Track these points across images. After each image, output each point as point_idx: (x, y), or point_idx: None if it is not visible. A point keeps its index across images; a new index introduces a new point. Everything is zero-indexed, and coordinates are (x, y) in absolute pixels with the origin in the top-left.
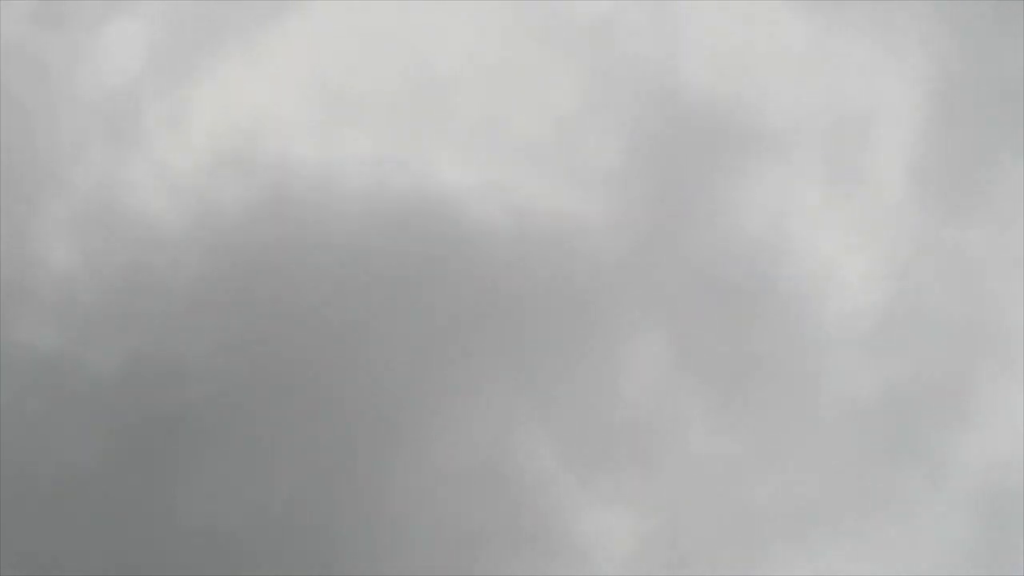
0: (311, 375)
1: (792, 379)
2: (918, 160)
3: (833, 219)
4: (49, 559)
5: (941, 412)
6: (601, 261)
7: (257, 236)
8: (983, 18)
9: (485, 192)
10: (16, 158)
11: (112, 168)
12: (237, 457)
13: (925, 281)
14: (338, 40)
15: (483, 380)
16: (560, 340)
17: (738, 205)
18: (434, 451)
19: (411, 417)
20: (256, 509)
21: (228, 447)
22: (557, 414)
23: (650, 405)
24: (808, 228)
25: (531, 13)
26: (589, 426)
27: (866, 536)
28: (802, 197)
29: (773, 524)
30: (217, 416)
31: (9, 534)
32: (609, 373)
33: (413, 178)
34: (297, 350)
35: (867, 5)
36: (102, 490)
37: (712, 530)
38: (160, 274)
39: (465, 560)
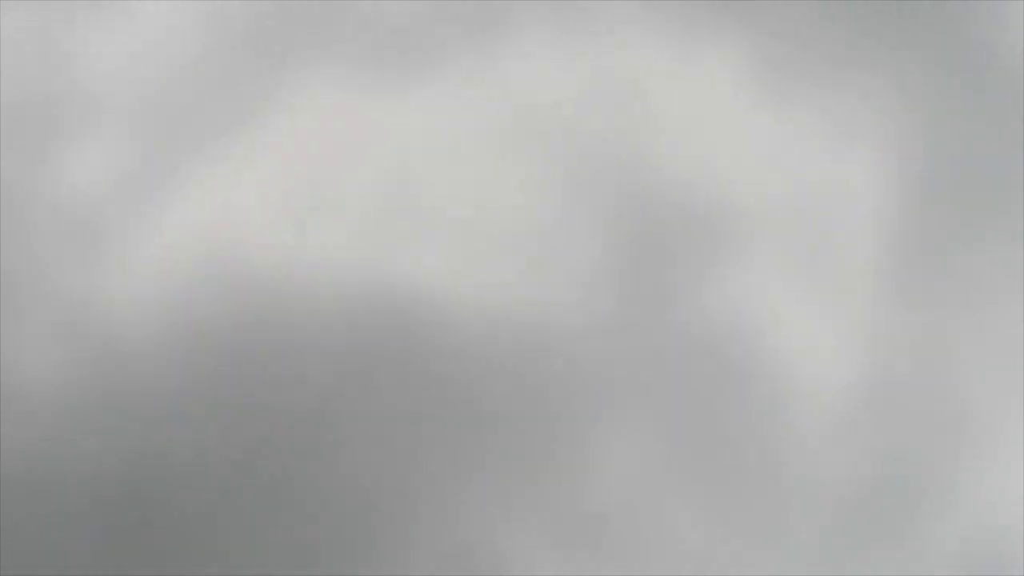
0: (293, 473)
1: (768, 465)
2: (887, 245)
3: (804, 303)
4: None
5: (916, 494)
6: (578, 353)
7: (235, 339)
8: (945, 97)
9: (457, 287)
10: None
11: (87, 278)
12: (222, 558)
13: (897, 364)
14: (312, 143)
15: (465, 473)
16: (536, 433)
17: (710, 293)
18: (417, 542)
19: (394, 510)
20: None
21: (213, 549)
22: (535, 504)
23: (628, 493)
24: (780, 313)
25: (506, 114)
26: (567, 517)
27: None
28: (777, 283)
29: None
30: (200, 518)
31: None
32: (586, 462)
33: (390, 278)
34: (278, 449)
35: (835, 87)
36: None
37: None
38: (138, 381)
39: None
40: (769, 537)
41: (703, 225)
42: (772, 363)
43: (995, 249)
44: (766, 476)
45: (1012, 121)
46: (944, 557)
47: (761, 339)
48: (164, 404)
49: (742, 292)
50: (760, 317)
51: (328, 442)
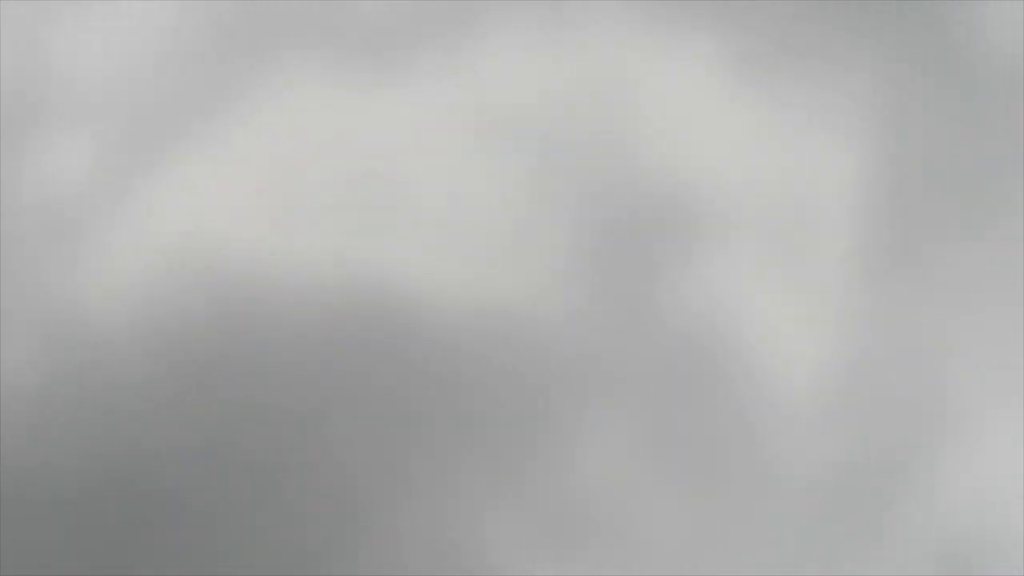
0: (274, 473)
1: (748, 458)
2: (865, 242)
3: (783, 297)
4: None
5: (895, 485)
6: (557, 349)
7: (215, 335)
8: (922, 88)
9: (438, 285)
10: None
11: (65, 275)
12: (206, 555)
13: (875, 355)
14: (290, 139)
15: (446, 471)
16: (519, 429)
17: (688, 287)
18: (400, 540)
19: (376, 511)
20: None
21: (197, 546)
22: (519, 503)
23: (610, 490)
24: (759, 307)
25: (481, 104)
26: (551, 513)
27: None
28: (752, 277)
29: None
30: (184, 516)
31: None
32: (568, 459)
33: (370, 274)
34: (259, 449)
35: (811, 83)
36: None
37: None
38: (119, 377)
39: None
40: (751, 528)
41: (680, 217)
42: (751, 354)
43: (973, 239)
44: (746, 467)
45: (990, 113)
46: (925, 545)
47: (739, 330)
48: (146, 401)
49: (720, 283)
50: (738, 308)
51: (311, 439)
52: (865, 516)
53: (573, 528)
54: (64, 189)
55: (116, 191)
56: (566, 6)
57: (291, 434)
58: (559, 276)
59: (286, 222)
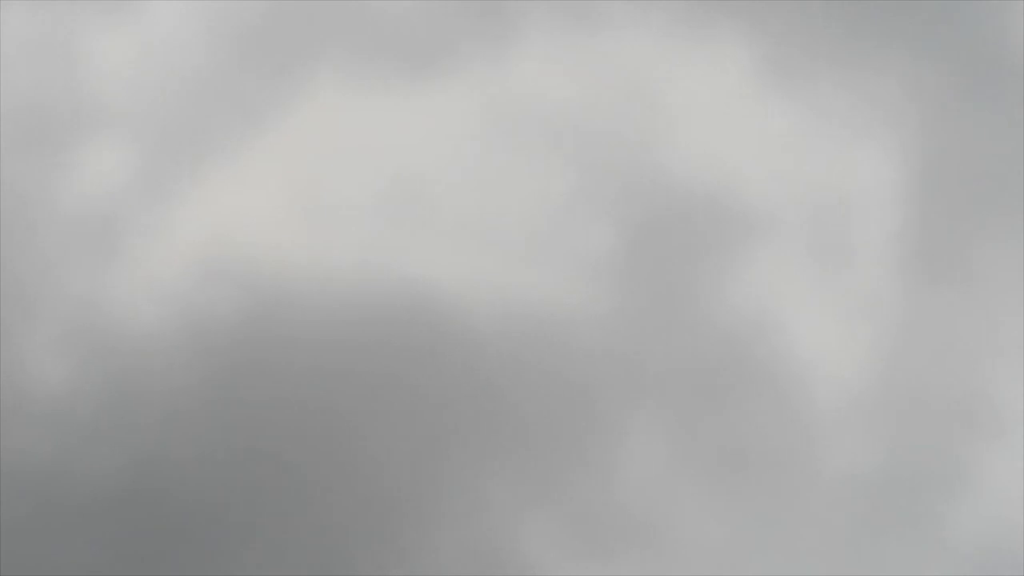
0: (308, 477)
1: (788, 460)
2: (903, 237)
3: (822, 299)
4: None
5: (936, 487)
6: (593, 351)
7: (246, 341)
8: (957, 90)
9: (472, 286)
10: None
11: (97, 281)
12: (238, 562)
13: (913, 358)
14: (319, 141)
15: (482, 474)
16: (556, 429)
17: (726, 289)
18: (435, 543)
19: (411, 515)
20: None
21: (228, 552)
22: (557, 503)
23: (648, 491)
24: (797, 309)
25: (511, 107)
26: (590, 515)
27: None
28: (790, 278)
29: None
30: (216, 522)
31: None
32: (606, 460)
33: (403, 277)
34: (293, 453)
35: (846, 88)
36: None
37: None
38: (151, 384)
39: None
40: (792, 529)
41: (717, 218)
42: (791, 355)
43: (1010, 239)
44: (787, 467)
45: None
46: (967, 544)
47: (779, 332)
48: (179, 407)
49: (760, 285)
50: (778, 309)
51: (344, 444)
52: (907, 518)
53: (612, 531)
54: (98, 198)
55: (149, 199)
56: (598, 8)
57: (324, 439)
58: (595, 278)
59: (319, 227)
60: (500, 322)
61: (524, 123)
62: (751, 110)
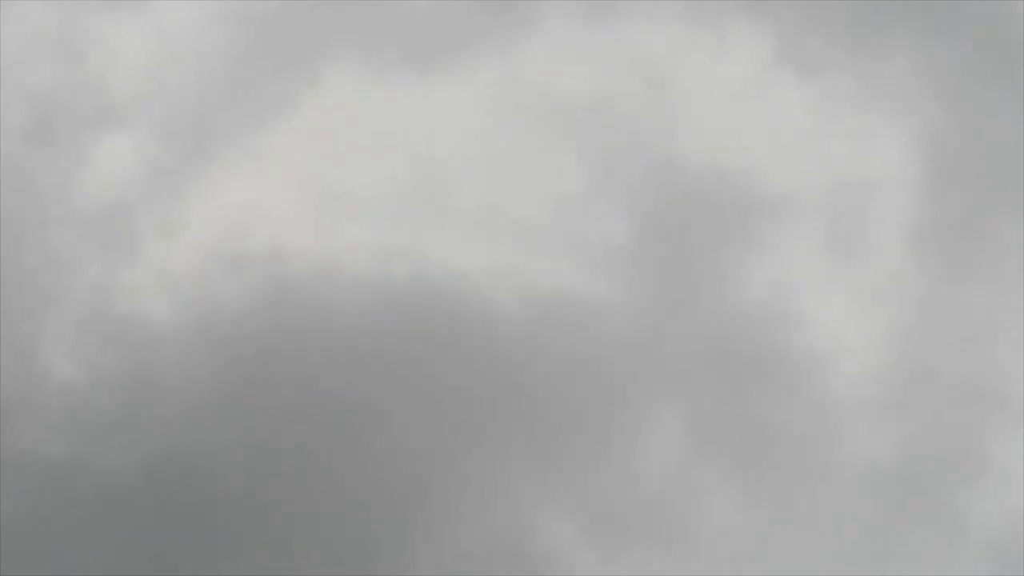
0: (325, 465)
1: (806, 446)
2: (918, 223)
3: (838, 285)
4: None
5: (953, 472)
6: (611, 338)
7: (261, 331)
8: (978, 77)
9: (490, 275)
10: (16, 272)
11: (111, 274)
12: (254, 552)
13: (931, 342)
14: (332, 131)
15: (501, 461)
16: (575, 418)
17: (743, 275)
18: (455, 533)
19: (430, 501)
20: None
21: (244, 542)
22: (576, 492)
23: (668, 479)
24: (814, 295)
25: (527, 95)
26: (608, 502)
27: None
28: (807, 265)
29: None
30: (232, 511)
31: None
32: (625, 448)
33: (420, 266)
34: (309, 442)
35: (860, 73)
36: None
37: None
38: (165, 375)
39: None
40: (810, 514)
41: (735, 205)
42: (808, 341)
43: None
44: (807, 452)
45: None
46: (985, 528)
47: (797, 318)
48: (193, 396)
49: (779, 270)
50: (797, 296)
51: (363, 433)
52: (927, 503)
53: (631, 518)
54: (113, 191)
55: (164, 191)
56: None
57: (342, 429)
58: (613, 265)
59: (333, 217)
60: (518, 309)
61: (540, 112)
62: (767, 97)
